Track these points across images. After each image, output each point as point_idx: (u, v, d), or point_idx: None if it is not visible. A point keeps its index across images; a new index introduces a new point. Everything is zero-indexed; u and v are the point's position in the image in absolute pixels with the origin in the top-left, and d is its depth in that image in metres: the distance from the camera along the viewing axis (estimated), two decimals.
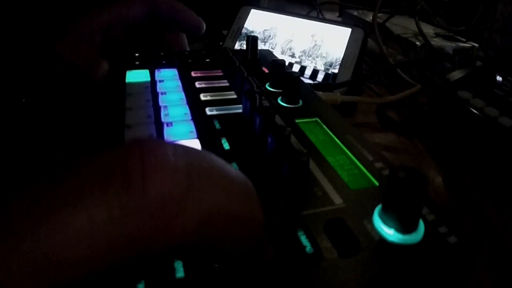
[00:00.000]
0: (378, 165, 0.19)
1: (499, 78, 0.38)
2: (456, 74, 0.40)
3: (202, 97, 0.27)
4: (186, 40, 0.38)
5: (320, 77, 0.49)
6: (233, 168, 0.12)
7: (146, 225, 0.10)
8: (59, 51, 0.29)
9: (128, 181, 0.10)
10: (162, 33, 0.37)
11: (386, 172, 0.19)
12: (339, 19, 0.85)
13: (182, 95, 0.27)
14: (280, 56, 0.52)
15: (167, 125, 0.23)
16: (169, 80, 0.29)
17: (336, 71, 0.48)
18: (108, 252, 0.10)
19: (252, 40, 0.34)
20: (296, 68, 0.51)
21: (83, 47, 0.30)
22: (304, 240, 0.14)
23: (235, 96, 0.27)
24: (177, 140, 0.21)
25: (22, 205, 0.10)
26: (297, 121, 0.24)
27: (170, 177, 0.10)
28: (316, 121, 0.24)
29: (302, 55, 0.52)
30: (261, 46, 0.54)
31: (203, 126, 0.23)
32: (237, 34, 0.58)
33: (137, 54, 0.34)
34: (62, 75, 0.28)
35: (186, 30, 0.37)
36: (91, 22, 0.31)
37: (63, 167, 0.11)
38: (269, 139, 0.19)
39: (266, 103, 0.26)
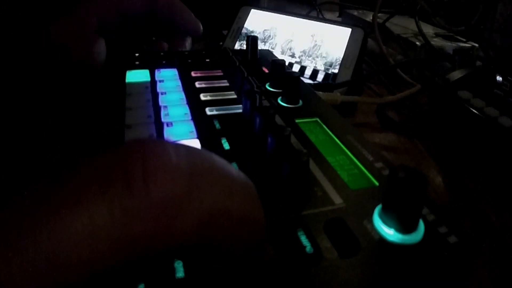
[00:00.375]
0: (378, 165, 0.19)
1: (499, 78, 0.38)
2: (456, 74, 0.40)
3: (202, 97, 0.27)
4: (189, 41, 0.38)
5: (320, 77, 0.49)
6: (234, 168, 0.12)
7: (148, 225, 0.10)
8: (52, 33, 0.29)
9: (129, 182, 0.10)
10: (162, 30, 0.37)
11: (386, 172, 0.19)
12: (339, 19, 0.85)
13: (182, 95, 0.27)
14: (280, 56, 0.52)
15: (167, 125, 0.23)
16: (169, 80, 0.29)
17: (336, 71, 0.48)
18: (109, 253, 0.10)
19: (252, 40, 0.34)
20: (296, 68, 0.51)
21: (77, 29, 0.30)
22: (304, 240, 0.14)
23: (235, 96, 0.27)
24: (177, 140, 0.21)
25: (23, 206, 0.10)
26: (297, 121, 0.24)
27: (171, 177, 0.10)
28: (316, 121, 0.24)
29: (302, 55, 0.52)
30: (261, 46, 0.54)
31: (203, 126, 0.23)
32: (237, 34, 0.58)
33: (137, 54, 0.34)
34: (62, 75, 0.28)
35: (183, 30, 0.37)
36: (87, 6, 0.31)
37: (64, 167, 0.11)
38: (269, 139, 0.19)
39: (266, 103, 0.26)
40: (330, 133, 0.22)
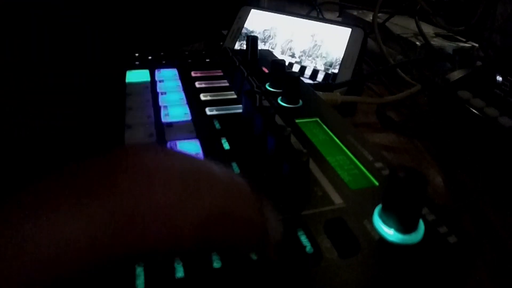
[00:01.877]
0: (378, 165, 0.19)
1: (499, 78, 0.38)
2: (456, 74, 0.40)
3: (202, 97, 0.27)
4: None
5: (320, 77, 0.49)
6: (228, 171, 0.12)
7: (144, 230, 0.10)
8: None
9: (125, 187, 0.10)
10: None
11: (386, 172, 0.19)
12: (339, 19, 0.85)
13: (182, 95, 0.27)
14: (280, 56, 0.52)
15: (167, 125, 0.23)
16: (169, 80, 0.29)
17: (336, 71, 0.48)
18: (105, 257, 0.10)
19: (252, 40, 0.34)
20: (296, 68, 0.51)
21: None
22: (304, 240, 0.14)
23: (235, 96, 0.27)
24: (177, 141, 0.21)
25: (20, 205, 0.10)
26: (297, 121, 0.24)
27: (166, 182, 0.10)
28: (316, 121, 0.24)
29: (302, 55, 0.52)
30: (261, 46, 0.54)
31: (203, 126, 0.23)
32: (237, 34, 0.58)
33: (137, 54, 0.34)
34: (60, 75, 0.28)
35: None
36: None
37: (59, 171, 0.11)
38: (269, 139, 0.19)
39: (266, 103, 0.26)
40: (330, 133, 0.22)
